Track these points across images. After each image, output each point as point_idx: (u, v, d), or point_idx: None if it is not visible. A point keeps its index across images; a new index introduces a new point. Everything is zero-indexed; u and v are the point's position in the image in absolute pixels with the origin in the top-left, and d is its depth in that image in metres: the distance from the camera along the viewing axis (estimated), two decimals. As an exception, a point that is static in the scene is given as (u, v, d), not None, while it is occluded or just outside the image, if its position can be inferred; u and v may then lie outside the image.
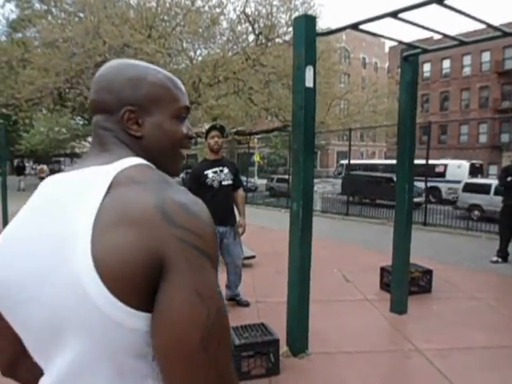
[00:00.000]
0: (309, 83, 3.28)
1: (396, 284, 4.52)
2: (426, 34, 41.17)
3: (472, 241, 9.26)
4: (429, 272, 5.25)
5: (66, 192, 0.74)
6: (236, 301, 4.70)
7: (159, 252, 0.66)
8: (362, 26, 3.32)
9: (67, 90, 16.83)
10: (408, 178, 4.35)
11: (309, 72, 3.26)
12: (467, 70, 35.44)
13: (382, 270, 5.36)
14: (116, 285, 0.64)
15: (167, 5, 17.33)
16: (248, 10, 17.94)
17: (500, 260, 7.04)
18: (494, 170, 33.35)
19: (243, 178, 22.77)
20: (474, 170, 19.06)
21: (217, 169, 4.23)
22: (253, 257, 6.58)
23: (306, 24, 3.29)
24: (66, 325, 0.68)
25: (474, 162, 19.74)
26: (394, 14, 3.09)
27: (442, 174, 19.04)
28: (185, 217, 0.68)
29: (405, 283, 4.53)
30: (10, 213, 10.76)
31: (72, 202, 0.71)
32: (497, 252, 7.13)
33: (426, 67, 37.62)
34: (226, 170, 4.27)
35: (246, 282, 5.01)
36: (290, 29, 18.48)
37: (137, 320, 0.66)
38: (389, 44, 45.78)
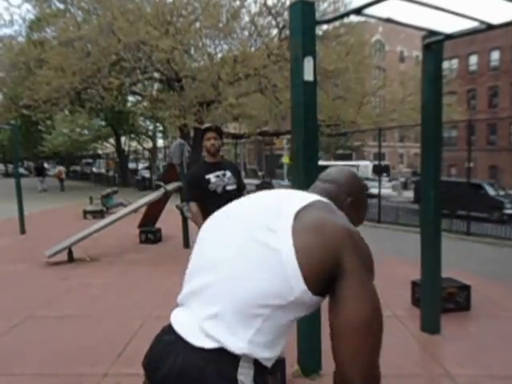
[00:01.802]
0: (308, 76, 3.16)
1: (426, 300, 4.34)
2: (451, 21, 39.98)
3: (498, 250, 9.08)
4: (466, 288, 5.01)
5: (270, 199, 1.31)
6: None
7: (340, 256, 1.09)
8: (367, 11, 3.19)
9: (84, 91, 17.21)
10: (434, 184, 4.16)
11: (308, 63, 3.14)
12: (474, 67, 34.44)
13: (414, 284, 5.21)
14: (310, 276, 1.07)
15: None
16: (270, 2, 17.83)
17: None
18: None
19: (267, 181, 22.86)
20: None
21: (219, 172, 4.11)
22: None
23: (302, 9, 3.15)
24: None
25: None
26: None
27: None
28: (360, 239, 1.17)
29: (436, 299, 4.34)
30: (28, 214, 11.22)
31: (276, 207, 1.20)
32: None
33: (473, 59, 36.75)
34: (228, 174, 4.16)
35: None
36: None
37: (309, 302, 1.12)
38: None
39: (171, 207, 9.28)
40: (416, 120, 22.07)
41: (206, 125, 4.39)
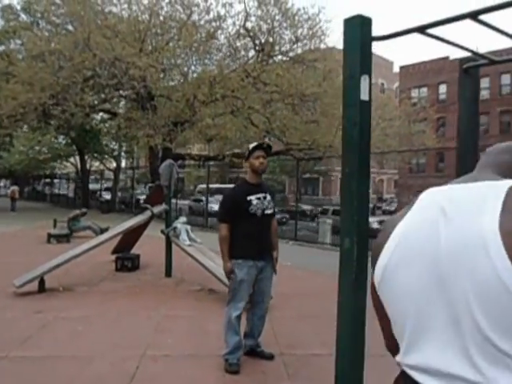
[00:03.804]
0: (364, 96, 2.96)
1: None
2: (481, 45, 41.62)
3: None
4: None
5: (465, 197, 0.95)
6: (257, 352, 4.26)
7: None
8: (429, 30, 2.98)
9: (53, 107, 16.58)
10: None
11: (364, 82, 2.94)
12: (485, 93, 35.79)
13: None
14: None
15: (161, 18, 17.38)
16: (249, 25, 17.94)
17: None
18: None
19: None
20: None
21: (260, 195, 3.98)
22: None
23: (361, 25, 2.96)
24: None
25: None
26: (473, 16, 2.76)
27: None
28: None
29: None
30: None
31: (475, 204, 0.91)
32: None
33: (442, 89, 37.95)
34: (268, 197, 4.05)
35: (264, 328, 4.58)
36: (295, 46, 18.49)
37: None
38: (398, 64, 46.23)
39: (148, 232, 8.81)
40: (390, 146, 22.50)
41: (255, 142, 4.21)
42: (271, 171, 41.51)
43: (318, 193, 49.31)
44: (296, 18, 17.83)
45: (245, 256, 3.91)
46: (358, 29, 2.95)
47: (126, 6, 17.06)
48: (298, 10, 17.73)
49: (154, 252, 9.37)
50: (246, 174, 4.31)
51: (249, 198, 3.93)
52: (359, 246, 2.97)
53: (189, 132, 17.45)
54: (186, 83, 16.88)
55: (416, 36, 3.21)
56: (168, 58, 16.97)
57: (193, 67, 18.44)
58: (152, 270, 8.42)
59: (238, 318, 3.99)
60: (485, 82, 35.93)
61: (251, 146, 4.08)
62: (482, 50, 3.68)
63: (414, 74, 39.60)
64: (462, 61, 4.11)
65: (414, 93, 37.70)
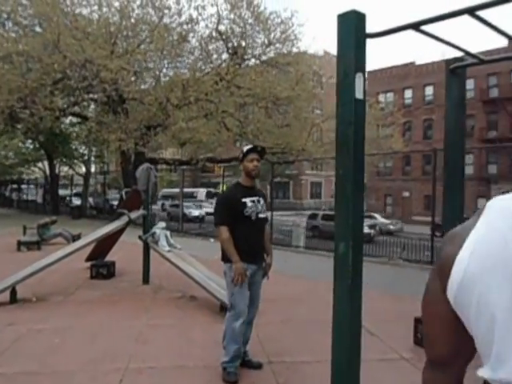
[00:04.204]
0: (359, 94, 2.84)
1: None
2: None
3: None
4: None
5: None
6: (245, 362, 4.07)
7: None
8: (424, 27, 2.89)
9: (20, 110, 16.05)
10: (459, 213, 3.92)
11: (359, 80, 2.82)
12: (429, 97, 36.47)
13: (417, 321, 4.86)
14: None
15: (132, 20, 17.07)
16: (222, 28, 17.83)
17: None
18: (482, 202, 33.66)
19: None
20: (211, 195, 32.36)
21: (254, 198, 3.88)
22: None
23: (356, 21, 2.84)
24: None
25: (210, 189, 37.36)
26: (471, 11, 2.68)
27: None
28: None
29: None
30: None
31: None
32: None
33: (408, 94, 38.57)
34: (262, 201, 3.95)
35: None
36: (268, 49, 18.44)
37: None
38: (370, 67, 46.79)
39: (121, 237, 8.54)
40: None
41: (249, 145, 4.06)
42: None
43: (288, 196, 49.43)
44: (269, 21, 17.78)
45: (240, 259, 3.75)
46: (353, 25, 2.85)
47: (96, 7, 16.75)
48: (271, 13, 17.77)
49: (130, 258, 9.11)
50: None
51: (243, 200, 3.81)
52: (354, 250, 2.87)
53: (162, 136, 17.15)
54: (159, 86, 16.61)
55: (402, 35, 3.14)
56: (139, 60, 16.69)
57: (165, 70, 18.17)
58: (128, 277, 8.13)
59: (242, 324, 3.82)
60: (429, 90, 36.62)
61: (245, 148, 3.94)
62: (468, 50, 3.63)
63: (381, 79, 40.09)
64: (449, 61, 4.09)
65: (381, 97, 38.15)
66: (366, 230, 18.81)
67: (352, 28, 2.84)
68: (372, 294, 7.09)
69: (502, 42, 30.21)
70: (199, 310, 6.07)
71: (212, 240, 16.20)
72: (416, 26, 2.89)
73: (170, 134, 16.93)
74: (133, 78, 16.80)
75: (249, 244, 3.82)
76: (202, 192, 37.66)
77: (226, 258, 3.80)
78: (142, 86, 18.07)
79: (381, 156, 28.57)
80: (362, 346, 4.78)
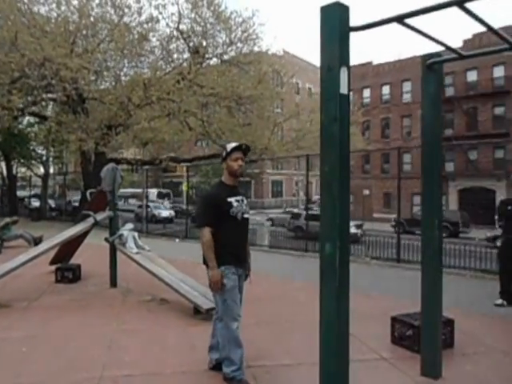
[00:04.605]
0: (343, 89, 2.73)
1: (428, 341, 3.96)
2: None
3: (456, 280, 8.81)
4: (450, 323, 4.66)
5: None
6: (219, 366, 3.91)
7: None
8: (408, 21, 2.80)
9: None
10: (437, 210, 3.89)
11: (343, 74, 2.70)
12: (407, 97, 37.29)
13: (394, 320, 4.84)
14: None
15: (91, 19, 16.60)
16: (183, 27, 17.59)
17: (505, 303, 6.65)
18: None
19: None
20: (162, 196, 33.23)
21: (238, 197, 3.73)
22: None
23: (340, 14, 2.71)
24: None
25: (161, 190, 37.56)
26: (460, 3, 2.59)
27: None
28: None
29: (438, 340, 3.99)
30: None
31: None
32: (500, 294, 6.77)
33: (366, 93, 39.15)
34: (245, 201, 3.80)
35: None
36: (229, 49, 18.33)
37: None
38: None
39: (86, 240, 8.24)
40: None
41: (234, 143, 3.83)
42: (204, 174, 41.09)
43: (250, 195, 49.41)
44: (230, 21, 17.63)
45: (227, 262, 3.60)
46: (336, 17, 2.73)
47: (54, 5, 16.21)
48: (232, 13, 17.65)
49: (95, 261, 8.81)
50: (180, 179, 3.99)
51: (229, 200, 3.65)
52: (341, 251, 2.75)
53: (124, 136, 16.74)
54: (120, 86, 16.22)
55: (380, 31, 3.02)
56: (100, 60, 16.26)
57: (125, 69, 17.74)
58: (95, 280, 7.84)
59: (238, 328, 3.68)
60: (407, 86, 37.48)
61: (229, 146, 3.75)
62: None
63: (341, 78, 40.36)
64: (425, 57, 4.03)
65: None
66: (353, 229, 18.37)
67: (336, 20, 2.72)
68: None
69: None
70: (172, 314, 5.88)
71: (177, 240, 16.02)
72: (400, 19, 2.78)
73: (132, 134, 16.57)
74: (93, 78, 16.35)
75: (236, 246, 3.69)
76: (153, 192, 36.85)
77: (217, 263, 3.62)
78: (103, 86, 17.62)
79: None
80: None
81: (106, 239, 7.09)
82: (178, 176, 40.12)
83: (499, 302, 6.71)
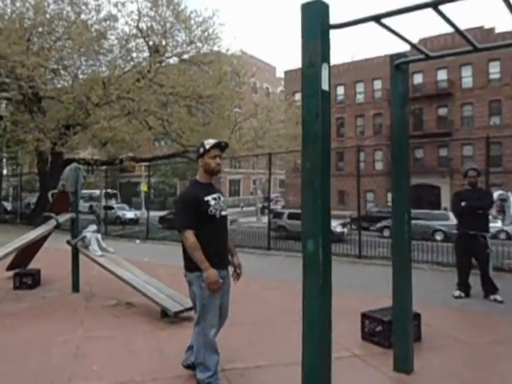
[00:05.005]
0: (325, 85, 2.69)
1: (400, 336, 3.94)
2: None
3: (414, 273, 9.01)
4: (417, 316, 4.63)
5: None
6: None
7: None
8: (384, 20, 2.79)
9: None
10: (406, 206, 3.90)
11: (325, 71, 2.67)
12: (360, 97, 37.98)
13: (364, 316, 4.79)
14: None
15: (47, 16, 15.95)
16: (142, 26, 17.20)
17: (463, 294, 6.78)
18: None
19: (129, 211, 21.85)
20: (109, 196, 30.29)
21: (215, 195, 3.55)
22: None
23: (321, 11, 2.69)
24: None
25: (109, 190, 32.44)
26: (435, 5, 2.60)
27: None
28: None
29: (410, 335, 3.98)
30: None
31: None
32: (457, 286, 6.89)
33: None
34: (222, 198, 3.63)
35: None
36: (189, 48, 18.08)
37: None
38: (282, 69, 47.55)
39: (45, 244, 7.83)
40: (283, 146, 22.82)
41: (212, 140, 3.61)
42: (163, 174, 40.52)
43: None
44: (191, 20, 17.36)
45: (210, 265, 3.37)
46: (318, 14, 2.70)
47: (8, 1, 15.46)
48: (191, 12, 17.39)
49: (55, 265, 8.41)
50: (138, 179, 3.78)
51: (206, 199, 3.45)
52: (324, 248, 2.68)
53: (82, 135, 16.16)
54: (78, 84, 15.63)
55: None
56: (56, 58, 15.63)
57: (83, 67, 17.13)
58: (56, 285, 7.43)
59: (215, 334, 3.50)
60: (360, 87, 38.16)
61: (207, 143, 3.54)
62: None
63: (298, 78, 40.46)
64: (393, 57, 4.01)
65: (298, 96, 38.83)
66: (339, 228, 18.38)
67: (317, 17, 2.68)
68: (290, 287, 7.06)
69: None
70: (138, 318, 5.62)
71: (138, 241, 15.63)
72: (377, 19, 2.77)
73: (91, 134, 15.99)
74: (49, 76, 15.69)
75: (218, 247, 3.50)
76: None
77: (193, 266, 3.39)
78: (60, 84, 16.96)
79: (298, 153, 28.89)
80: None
81: (69, 242, 6.73)
82: (136, 176, 39.34)
83: (457, 293, 6.82)
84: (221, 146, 3.59)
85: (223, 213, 3.56)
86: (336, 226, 18.36)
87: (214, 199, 3.49)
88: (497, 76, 32.67)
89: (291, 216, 18.61)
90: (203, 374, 3.43)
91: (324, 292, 2.73)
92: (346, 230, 18.73)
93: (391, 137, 3.97)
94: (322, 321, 2.74)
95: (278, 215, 19.69)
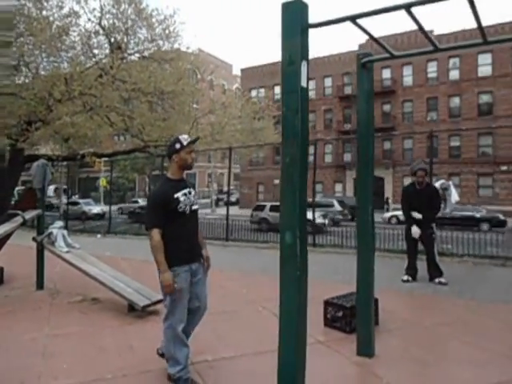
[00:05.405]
0: (304, 82, 2.72)
1: (363, 322, 3.98)
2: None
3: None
4: (375, 301, 4.58)
5: None
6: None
7: None
8: (360, 21, 2.77)
9: None
10: (370, 197, 3.95)
11: (304, 68, 2.64)
12: (311, 94, 38.26)
13: (327, 303, 4.77)
14: None
15: (7, 11, 15.03)
16: (105, 23, 16.56)
17: (410, 278, 7.02)
18: (339, 187, 36.66)
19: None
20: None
21: (185, 191, 3.43)
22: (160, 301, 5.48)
23: (301, 10, 2.68)
24: None
25: (57, 186, 36.08)
26: (407, 7, 2.57)
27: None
28: None
29: (372, 320, 4.04)
30: None
31: None
32: (405, 270, 7.13)
33: (277, 90, 39.66)
34: (193, 192, 3.51)
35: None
36: (151, 45, 17.60)
37: None
38: (238, 67, 47.31)
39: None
40: (240, 141, 22.62)
41: (186, 136, 3.54)
42: (122, 169, 39.59)
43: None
44: (153, 18, 16.84)
45: (179, 261, 3.29)
46: (298, 13, 2.69)
47: (-37, -5, 14.42)
48: (153, 10, 16.80)
49: (17, 263, 8.01)
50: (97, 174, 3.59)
51: (176, 196, 3.34)
52: (301, 240, 2.68)
53: (44, 131, 15.39)
54: (39, 80, 14.85)
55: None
56: (17, 54, 14.77)
57: (45, 63, 16.29)
58: (19, 283, 7.02)
59: (190, 331, 3.45)
60: (312, 85, 38.44)
61: (184, 139, 3.45)
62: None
63: (254, 76, 40.71)
64: (360, 56, 3.99)
65: (254, 93, 38.77)
66: (321, 219, 17.52)
67: (297, 16, 2.68)
68: (275, 278, 6.97)
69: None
70: (105, 313, 5.40)
71: (99, 236, 15.16)
72: (353, 19, 2.76)
73: (53, 129, 15.26)
74: (8, 72, 14.81)
75: (188, 241, 3.40)
76: (50, 189, 35.32)
77: (167, 263, 3.28)
78: (20, 81, 16.06)
79: (257, 147, 28.81)
80: (274, 333, 4.48)
81: (34, 238, 6.34)
82: (95, 171, 38.20)
83: (405, 277, 7.07)
84: (195, 141, 3.54)
85: (194, 207, 3.47)
86: (317, 217, 18.30)
87: (184, 195, 3.39)
88: (434, 75, 33.72)
89: (273, 208, 18.17)
90: (173, 369, 3.34)
91: (301, 283, 2.73)
92: (326, 221, 18.48)
93: (357, 131, 3.97)
94: (298, 311, 2.73)
95: (260, 208, 19.32)
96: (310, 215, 18.15)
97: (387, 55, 3.56)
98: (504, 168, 30.23)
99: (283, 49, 2.71)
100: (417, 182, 7.03)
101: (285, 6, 2.70)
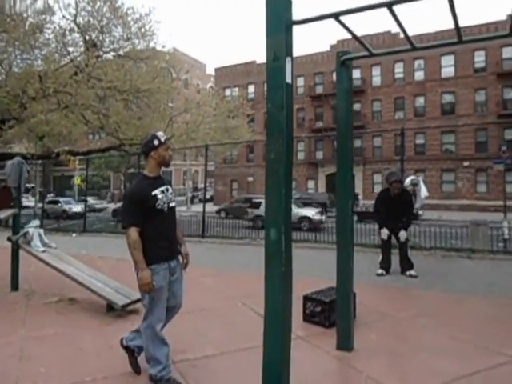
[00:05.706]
0: (289, 78, 2.64)
1: (343, 315, 3.94)
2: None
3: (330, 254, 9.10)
4: (354, 295, 4.66)
5: None
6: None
7: None
8: (343, 18, 2.70)
9: None
10: (350, 193, 3.97)
11: (288, 65, 2.59)
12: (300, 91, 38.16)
13: (306, 298, 4.70)
14: None
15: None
16: (80, 20, 16.10)
17: (384, 272, 7.10)
18: (311, 184, 36.91)
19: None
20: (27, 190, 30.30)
21: (163, 188, 3.28)
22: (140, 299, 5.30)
23: (285, 7, 2.62)
24: None
25: (26, 185, 37.48)
26: (389, 5, 2.52)
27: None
28: None
29: (352, 314, 4.01)
30: None
31: None
32: (380, 264, 7.22)
33: (251, 89, 39.43)
34: (170, 189, 3.36)
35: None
36: (127, 43, 17.23)
37: None
38: (211, 66, 46.90)
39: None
40: (215, 139, 22.41)
41: (162, 133, 3.40)
42: (97, 167, 38.82)
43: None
44: (128, 17, 16.49)
45: (158, 259, 3.16)
46: (282, 9, 2.61)
47: None
48: (128, 9, 16.53)
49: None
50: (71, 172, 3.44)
51: (153, 193, 3.19)
52: (286, 236, 2.60)
53: (18, 129, 14.89)
54: (13, 78, 14.32)
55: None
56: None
57: (18, 61, 15.74)
58: (-8, 283, 6.69)
59: (162, 328, 3.27)
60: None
61: (161, 136, 3.31)
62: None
63: (227, 75, 40.47)
64: (339, 54, 3.91)
65: (228, 92, 38.47)
66: (318, 216, 18.03)
67: (282, 12, 2.62)
68: (253, 274, 6.86)
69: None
70: (83, 314, 5.17)
71: (74, 235, 14.74)
72: (337, 16, 2.71)
73: (27, 127, 14.77)
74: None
75: (167, 239, 3.26)
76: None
77: (145, 261, 3.15)
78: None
79: (231, 145, 28.65)
80: (255, 329, 4.35)
81: (9, 238, 6.04)
82: (70, 170, 37.32)
83: (380, 271, 7.15)
84: (169, 139, 3.41)
85: (171, 204, 3.34)
86: (314, 213, 18.33)
87: (162, 192, 3.26)
88: (401, 75, 34.19)
89: (252, 205, 18.38)
90: (155, 369, 3.20)
91: (286, 279, 2.66)
92: (323, 217, 18.41)
93: (336, 129, 3.92)
94: (283, 307, 2.67)
95: (255, 205, 18.89)
96: (308, 212, 18.15)
97: (366, 53, 3.50)
98: (466, 164, 30.94)
99: (268, 45, 2.64)
100: (393, 194, 7.11)
101: (269, 3, 2.64)
